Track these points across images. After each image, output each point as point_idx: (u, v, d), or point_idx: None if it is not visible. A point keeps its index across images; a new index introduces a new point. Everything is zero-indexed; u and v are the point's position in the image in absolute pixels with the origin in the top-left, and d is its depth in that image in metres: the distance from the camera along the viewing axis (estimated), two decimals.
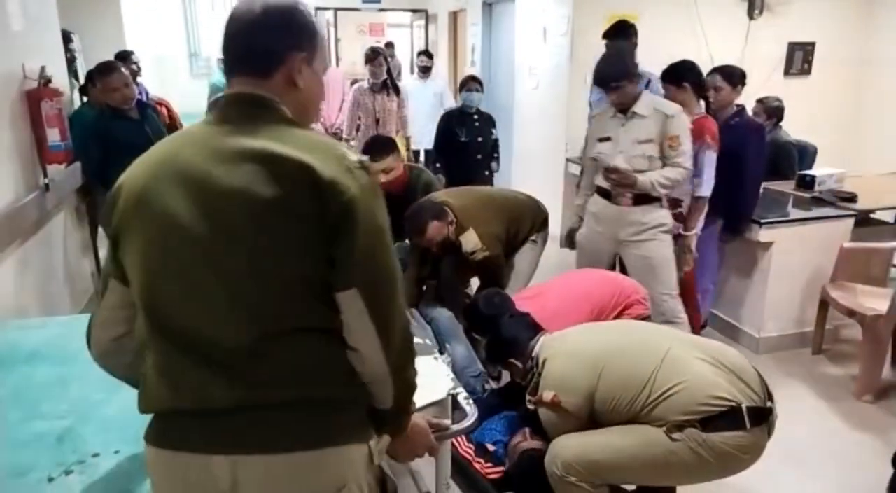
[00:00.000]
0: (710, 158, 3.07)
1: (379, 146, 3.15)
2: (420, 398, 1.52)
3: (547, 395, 1.92)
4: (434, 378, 1.71)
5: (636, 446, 1.84)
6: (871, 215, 3.79)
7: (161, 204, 1.03)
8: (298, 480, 1.05)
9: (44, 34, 3.14)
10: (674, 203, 3.24)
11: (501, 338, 2.20)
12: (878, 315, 3.00)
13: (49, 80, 2.93)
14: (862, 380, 3.08)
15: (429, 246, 2.91)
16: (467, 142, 4.62)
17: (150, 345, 1.07)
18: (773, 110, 4.20)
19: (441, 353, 1.89)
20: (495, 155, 4.82)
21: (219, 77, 6.04)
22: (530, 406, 2.02)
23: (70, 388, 1.55)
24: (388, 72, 5.29)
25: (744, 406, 1.80)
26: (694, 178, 3.07)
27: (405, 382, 1.15)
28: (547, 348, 2.08)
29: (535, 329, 2.18)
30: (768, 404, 1.88)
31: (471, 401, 1.63)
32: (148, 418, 1.09)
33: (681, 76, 3.17)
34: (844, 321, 3.30)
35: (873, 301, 3.10)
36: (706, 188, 3.10)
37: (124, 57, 4.51)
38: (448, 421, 1.50)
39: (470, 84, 4.60)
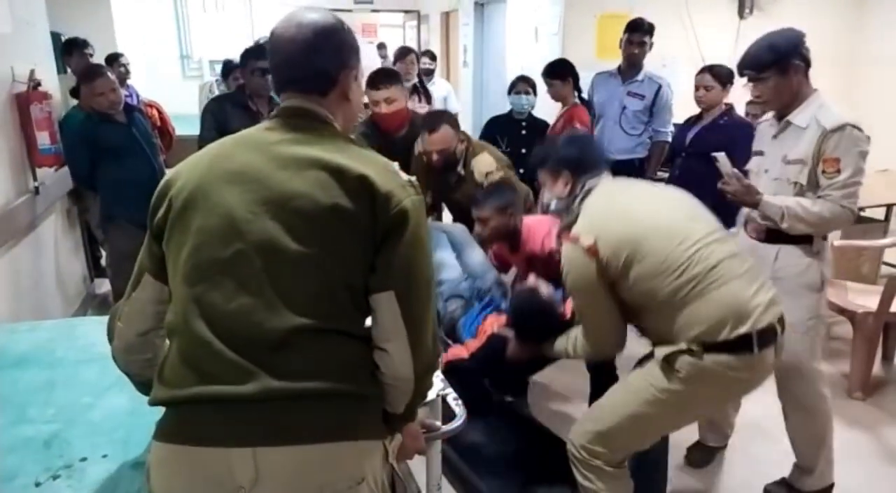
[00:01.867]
0: None
1: (384, 74, 3.00)
2: None
3: (586, 239, 1.73)
4: None
5: (639, 399, 1.74)
6: (862, 213, 3.81)
7: (219, 199, 1.09)
8: (320, 471, 1.06)
9: (33, 37, 3.13)
10: None
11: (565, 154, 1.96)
12: (868, 312, 3.01)
13: (38, 84, 2.92)
14: (853, 377, 3.09)
15: (431, 152, 2.75)
16: (505, 153, 4.10)
17: (184, 332, 1.08)
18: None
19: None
20: None
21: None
22: (559, 244, 1.89)
23: (57, 392, 1.54)
24: (419, 74, 4.78)
25: (754, 330, 1.65)
26: None
27: (422, 389, 1.21)
28: (600, 188, 1.88)
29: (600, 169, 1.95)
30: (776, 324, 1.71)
31: (460, 402, 1.63)
32: (135, 420, 1.09)
33: (566, 71, 3.51)
34: (835, 319, 3.31)
35: (864, 299, 3.11)
36: None
37: (112, 60, 4.50)
38: (438, 422, 1.51)
39: (519, 85, 3.90)
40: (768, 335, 1.69)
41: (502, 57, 6.64)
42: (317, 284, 1.08)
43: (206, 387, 1.04)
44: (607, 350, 1.93)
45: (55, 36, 3.82)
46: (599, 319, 1.82)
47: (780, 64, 2.12)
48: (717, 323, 1.66)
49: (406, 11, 10.92)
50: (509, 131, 3.82)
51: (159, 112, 4.78)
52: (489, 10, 7.37)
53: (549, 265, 2.29)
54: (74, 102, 3.71)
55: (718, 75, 3.33)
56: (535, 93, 3.84)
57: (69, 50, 4.27)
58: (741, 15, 5.29)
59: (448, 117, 2.88)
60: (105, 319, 1.36)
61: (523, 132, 3.84)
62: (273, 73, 1.20)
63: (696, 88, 3.37)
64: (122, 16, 5.90)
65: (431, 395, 1.61)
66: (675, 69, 4.85)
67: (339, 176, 1.08)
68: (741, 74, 2.26)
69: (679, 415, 1.83)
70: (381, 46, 9.98)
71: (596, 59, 4.84)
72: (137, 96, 4.70)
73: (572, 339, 1.95)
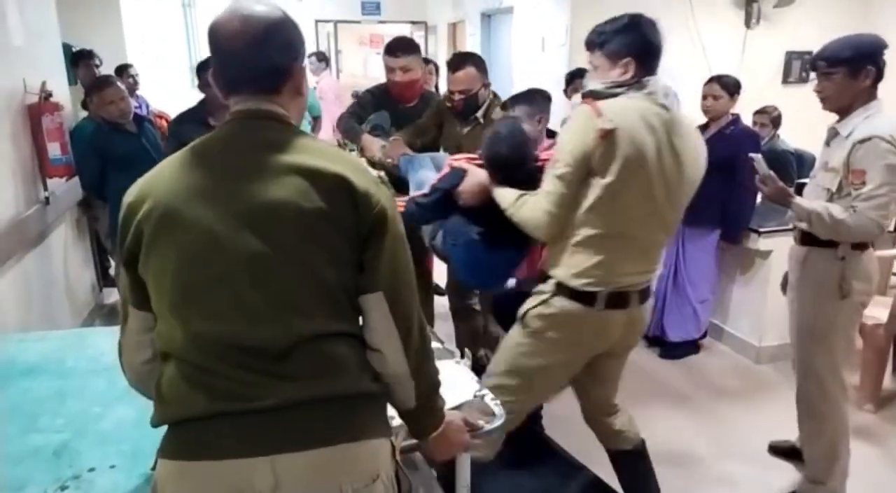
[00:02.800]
0: None
1: (405, 43, 2.99)
2: (447, 401, 1.54)
3: (607, 122, 1.72)
4: (457, 381, 1.73)
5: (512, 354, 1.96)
6: None
7: (192, 218, 1.05)
8: (338, 472, 1.07)
9: (45, 49, 3.17)
10: None
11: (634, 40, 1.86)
12: (878, 324, 3.00)
13: (50, 95, 2.95)
14: (863, 389, 3.07)
15: (454, 92, 2.73)
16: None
17: (179, 354, 1.08)
18: (776, 120, 4.22)
19: (462, 358, 1.89)
20: None
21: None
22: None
23: (67, 402, 1.55)
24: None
25: (605, 290, 1.84)
26: None
27: (426, 379, 1.21)
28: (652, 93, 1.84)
29: None
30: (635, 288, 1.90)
31: (498, 402, 1.63)
32: (144, 431, 1.09)
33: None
34: None
35: (873, 310, 3.08)
36: None
37: (122, 70, 4.54)
38: (482, 421, 1.51)
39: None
40: (617, 299, 1.86)
41: (509, 67, 6.66)
42: (312, 288, 1.07)
43: (218, 405, 1.04)
44: (541, 229, 1.88)
45: (66, 47, 3.86)
46: (560, 195, 1.82)
47: (853, 64, 2.11)
48: (585, 273, 1.84)
49: (413, 22, 10.98)
50: None
51: (168, 122, 4.82)
52: (496, 21, 7.40)
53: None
54: (84, 113, 3.75)
55: (726, 85, 3.35)
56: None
57: (76, 61, 4.32)
58: (748, 25, 5.29)
59: (475, 59, 2.82)
60: (115, 329, 1.37)
61: None
62: (218, 73, 1.12)
63: (704, 98, 3.38)
64: (133, 27, 5.95)
65: (468, 395, 1.63)
66: (681, 79, 4.84)
67: (315, 178, 1.06)
68: (813, 67, 2.26)
69: (540, 363, 1.95)
70: None
71: None
72: (147, 107, 4.74)
73: (519, 199, 1.94)
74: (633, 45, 1.83)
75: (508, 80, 6.69)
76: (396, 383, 1.17)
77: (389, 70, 2.93)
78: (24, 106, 2.77)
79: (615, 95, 1.83)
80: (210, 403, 1.05)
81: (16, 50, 2.73)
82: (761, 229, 3.35)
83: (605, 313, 1.88)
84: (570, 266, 1.86)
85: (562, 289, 1.89)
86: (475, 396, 1.65)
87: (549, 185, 1.83)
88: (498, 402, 1.64)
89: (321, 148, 1.12)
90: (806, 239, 2.27)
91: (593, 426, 2.25)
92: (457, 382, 1.72)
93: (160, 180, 1.10)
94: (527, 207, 1.91)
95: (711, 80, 3.41)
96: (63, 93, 3.34)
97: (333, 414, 1.08)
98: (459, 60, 2.75)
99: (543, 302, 1.93)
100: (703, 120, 3.48)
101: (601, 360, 2.06)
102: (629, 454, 2.23)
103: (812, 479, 2.37)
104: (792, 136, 4.41)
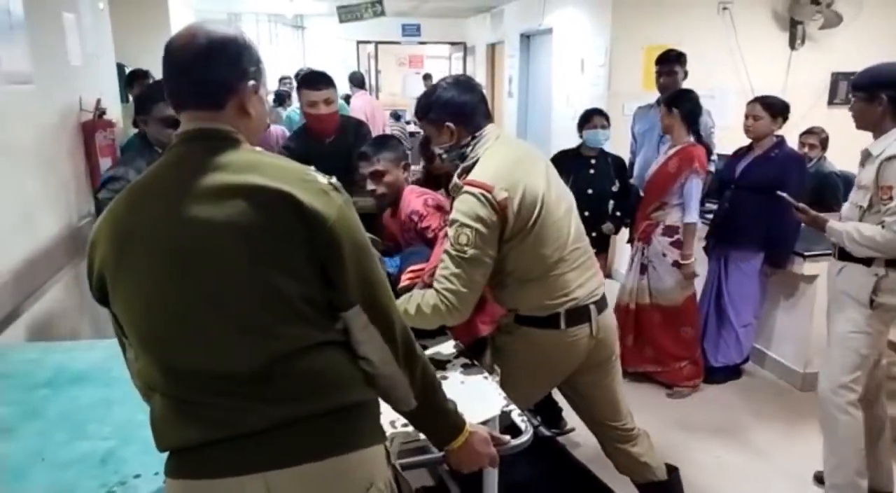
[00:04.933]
0: (698, 185, 3.23)
1: (321, 76, 3.06)
2: (473, 416, 1.55)
3: (500, 193, 1.78)
4: (485, 396, 1.73)
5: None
6: None
7: (144, 256, 1.05)
8: (332, 484, 1.09)
9: (100, 69, 3.29)
10: (670, 230, 3.26)
11: (457, 99, 1.91)
12: None
13: (103, 112, 3.06)
14: None
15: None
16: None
17: (161, 389, 1.10)
18: (824, 141, 4.14)
19: (490, 373, 1.89)
20: (617, 213, 3.66)
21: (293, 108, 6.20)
22: (455, 191, 1.86)
23: (114, 410, 1.59)
24: None
25: (562, 309, 1.89)
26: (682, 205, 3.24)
27: (419, 373, 1.20)
28: (492, 138, 1.92)
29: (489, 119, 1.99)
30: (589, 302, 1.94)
31: (525, 418, 1.63)
32: None
33: (674, 102, 3.31)
34: (892, 357, 3.18)
35: None
36: (694, 214, 3.25)
37: (140, 76, 4.56)
38: (508, 437, 1.50)
39: (595, 119, 3.57)
40: (575, 315, 1.91)
41: (548, 88, 6.69)
42: (276, 307, 1.06)
43: (208, 434, 1.07)
44: (464, 312, 1.86)
45: (119, 67, 4.01)
46: (476, 275, 1.82)
47: (868, 91, 2.28)
48: (540, 302, 1.90)
49: (452, 43, 11.11)
50: (576, 168, 3.50)
51: None
52: (535, 42, 7.44)
53: (416, 231, 2.25)
54: (134, 130, 3.87)
55: (770, 106, 3.30)
56: (609, 126, 3.60)
57: (131, 81, 4.46)
58: (792, 46, 5.22)
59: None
60: None
61: (591, 170, 3.58)
62: (167, 89, 1.12)
63: (746, 117, 3.35)
64: None
65: (495, 410, 1.62)
66: (723, 100, 4.80)
67: (256, 196, 1.03)
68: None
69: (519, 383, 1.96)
70: (427, 77, 10.16)
71: (642, 90, 4.83)
72: None
73: (416, 297, 1.87)
74: (455, 106, 1.90)
75: (548, 101, 6.71)
76: (391, 383, 1.18)
77: (311, 104, 2.97)
78: (78, 123, 2.88)
79: (472, 158, 1.89)
80: (201, 433, 1.07)
81: (73, 70, 2.85)
82: (807, 253, 3.27)
83: (570, 331, 1.92)
84: (525, 300, 1.93)
85: (524, 319, 1.95)
86: (503, 411, 1.65)
87: (460, 278, 1.80)
88: (525, 418, 1.63)
89: (266, 163, 1.09)
90: (843, 254, 2.36)
91: (613, 456, 2.21)
92: (484, 397, 1.72)
93: (113, 220, 1.09)
94: (434, 302, 1.82)
95: (754, 100, 3.38)
96: (115, 111, 3.46)
97: (322, 429, 1.09)
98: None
99: (509, 333, 2.00)
100: (747, 142, 3.44)
101: (578, 378, 2.07)
102: (660, 486, 2.18)
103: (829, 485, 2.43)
104: (839, 158, 4.31)
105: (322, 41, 10.44)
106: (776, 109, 3.30)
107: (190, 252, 1.04)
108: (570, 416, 2.81)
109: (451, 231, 1.83)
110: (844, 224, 2.33)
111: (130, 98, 4.44)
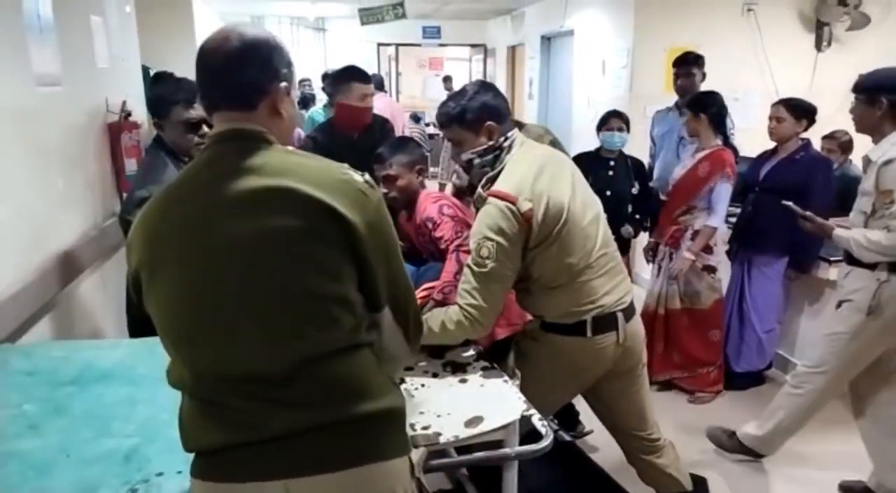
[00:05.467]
0: (727, 190, 3.18)
1: (364, 72, 3.18)
2: (493, 420, 1.56)
3: (525, 204, 1.77)
4: (505, 400, 1.73)
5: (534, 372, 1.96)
6: None
7: (180, 257, 1.07)
8: None
9: (126, 71, 3.34)
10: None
11: (491, 102, 1.93)
12: None
13: (129, 114, 3.11)
14: None
15: None
16: None
17: (190, 389, 1.12)
18: (846, 145, 4.07)
19: (510, 380, 1.89)
20: (636, 216, 3.65)
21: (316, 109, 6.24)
22: (479, 202, 1.85)
23: (138, 408, 1.60)
24: None
25: (588, 316, 1.88)
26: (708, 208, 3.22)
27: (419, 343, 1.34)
28: (518, 144, 1.93)
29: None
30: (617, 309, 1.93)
31: (545, 423, 1.62)
32: None
33: (699, 106, 3.26)
34: None
35: None
36: (718, 220, 3.22)
37: (164, 79, 4.62)
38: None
39: (612, 121, 3.57)
40: (602, 322, 1.90)
41: (568, 90, 6.66)
42: (309, 309, 1.07)
43: (232, 437, 1.08)
44: (487, 326, 1.86)
45: (144, 69, 4.06)
46: (497, 288, 1.82)
47: (868, 93, 2.34)
48: (568, 309, 1.89)
49: (473, 45, 11.11)
50: (595, 170, 3.43)
51: None
52: (556, 44, 7.42)
53: (430, 237, 2.22)
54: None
55: (794, 108, 3.26)
56: (628, 129, 3.58)
57: (155, 84, 4.52)
58: (818, 48, 5.15)
59: None
60: None
61: (610, 172, 3.56)
62: (200, 91, 1.15)
63: (770, 120, 3.31)
64: None
65: (516, 414, 1.62)
66: (748, 102, 4.76)
67: (296, 201, 1.05)
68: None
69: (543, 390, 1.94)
70: (447, 79, 10.17)
71: (664, 92, 4.79)
72: None
73: (438, 314, 1.86)
74: (491, 108, 1.91)
75: (568, 103, 6.68)
76: (395, 364, 1.26)
77: (363, 97, 3.05)
78: (104, 124, 2.92)
79: (498, 168, 1.88)
80: (225, 436, 1.08)
81: (100, 72, 2.89)
82: (832, 258, 3.21)
83: (597, 339, 1.90)
84: (551, 307, 1.93)
85: (550, 326, 1.95)
86: (523, 415, 1.64)
87: (482, 292, 1.80)
88: (545, 423, 1.63)
89: (301, 164, 1.11)
90: (851, 259, 2.44)
91: (637, 467, 2.19)
92: (504, 400, 1.72)
93: (147, 222, 1.11)
94: (459, 318, 1.82)
95: (778, 102, 3.34)
96: (141, 112, 3.51)
97: (345, 439, 1.08)
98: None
99: (534, 339, 1.99)
100: (772, 145, 3.40)
101: (604, 387, 2.04)
102: None
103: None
104: None
105: (343, 43, 10.50)
106: (800, 110, 3.25)
107: (223, 254, 1.05)
108: (587, 419, 2.79)
109: (472, 243, 1.83)
110: (851, 231, 2.37)
111: None
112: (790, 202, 2.63)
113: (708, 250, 3.28)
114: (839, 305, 2.51)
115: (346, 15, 9.22)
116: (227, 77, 1.11)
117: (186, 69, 5.50)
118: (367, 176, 1.14)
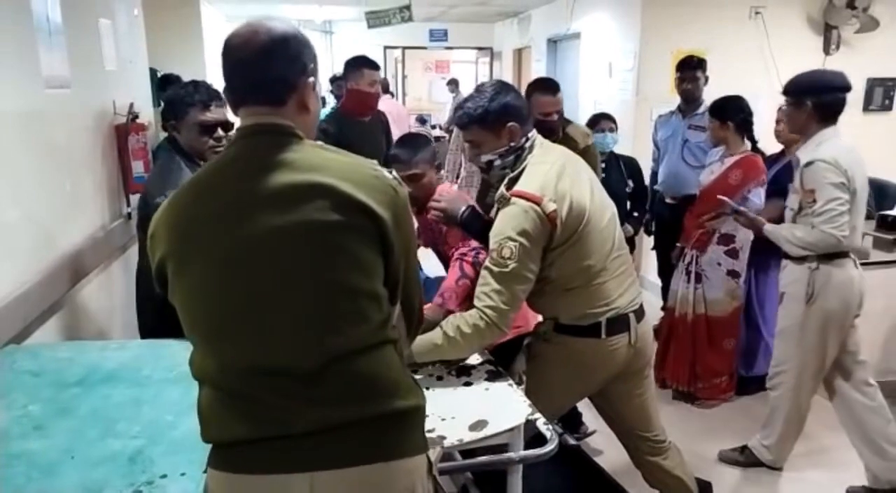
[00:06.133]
0: (761, 196, 3.20)
1: (373, 61, 3.52)
2: (498, 424, 1.56)
3: (549, 204, 1.76)
4: (510, 404, 1.72)
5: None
6: None
7: (211, 248, 1.07)
8: (374, 488, 1.10)
9: (134, 73, 3.36)
10: (726, 239, 3.20)
11: (513, 102, 1.91)
12: None
13: (136, 116, 3.12)
14: None
15: (551, 113, 2.91)
16: None
17: (214, 381, 1.11)
18: None
19: (519, 384, 1.88)
20: (634, 214, 3.75)
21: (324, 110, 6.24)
22: (502, 203, 1.83)
23: (143, 410, 1.61)
24: None
25: (603, 318, 1.88)
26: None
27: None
28: (538, 145, 1.93)
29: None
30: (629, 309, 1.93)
31: (550, 427, 1.62)
32: None
33: (725, 113, 3.23)
34: None
35: None
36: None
37: (172, 81, 4.66)
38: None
39: (602, 123, 3.70)
40: (615, 324, 1.90)
41: (575, 92, 6.65)
42: (341, 304, 1.08)
43: (256, 431, 1.07)
44: (504, 329, 1.82)
45: (152, 71, 4.08)
46: (518, 290, 1.80)
47: (795, 96, 2.48)
48: (582, 311, 1.89)
49: (479, 48, 11.11)
50: None
51: None
52: (562, 47, 7.41)
53: (439, 233, 2.25)
54: (165, 133, 3.93)
55: None
56: (616, 129, 3.71)
57: (164, 85, 4.54)
58: (826, 51, 5.13)
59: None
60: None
61: (602, 174, 3.47)
62: (227, 84, 1.14)
63: (777, 122, 3.29)
64: (214, 53, 6.25)
65: (520, 418, 1.61)
66: (756, 106, 4.72)
67: (328, 196, 1.06)
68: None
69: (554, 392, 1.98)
70: (453, 82, 10.17)
71: (670, 95, 4.77)
72: None
73: (452, 321, 1.82)
74: (514, 109, 1.89)
75: (575, 106, 6.67)
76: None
77: (373, 83, 3.41)
78: (112, 126, 2.94)
79: (519, 168, 1.87)
80: (248, 429, 1.08)
81: (108, 74, 2.91)
82: None
83: (610, 340, 1.90)
84: (566, 309, 1.92)
85: (563, 328, 1.94)
86: (528, 419, 1.63)
87: (504, 294, 1.78)
88: (550, 427, 1.62)
89: (332, 159, 1.12)
90: (786, 253, 2.59)
91: (643, 469, 2.18)
92: (510, 404, 1.72)
93: (175, 213, 1.11)
94: (475, 322, 1.79)
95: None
96: (148, 114, 3.52)
97: (369, 435, 1.09)
98: (551, 84, 3.04)
99: (547, 341, 1.97)
100: (779, 148, 3.39)
101: (612, 388, 2.04)
102: None
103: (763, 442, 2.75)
104: (876, 165, 4.18)
105: (350, 46, 10.52)
106: None
107: (259, 246, 1.05)
108: (589, 419, 2.78)
109: (493, 243, 1.80)
110: (779, 227, 2.55)
111: (162, 103, 4.52)
112: (725, 197, 2.78)
113: (734, 254, 3.24)
114: (781, 298, 2.65)
115: (353, 18, 9.24)
116: (257, 72, 1.10)
117: (194, 71, 5.57)
118: (394, 173, 1.17)
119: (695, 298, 3.35)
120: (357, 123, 3.39)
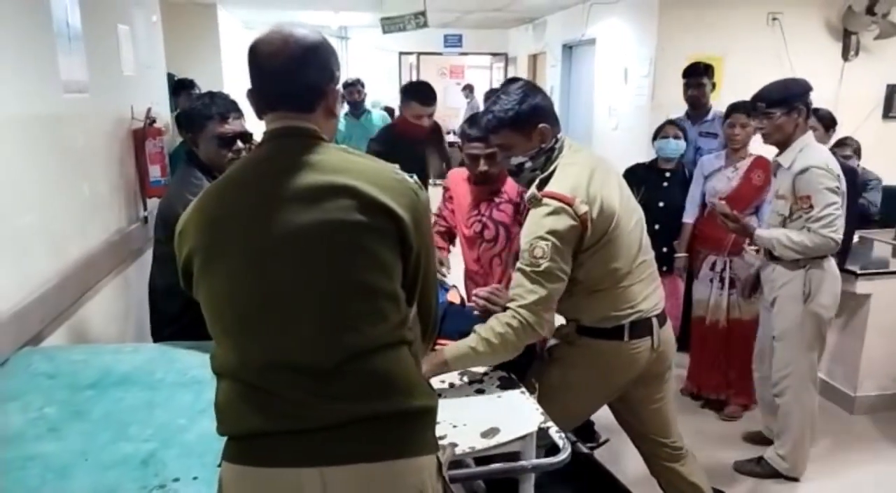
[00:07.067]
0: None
1: (433, 93, 3.59)
2: (510, 432, 1.55)
3: (582, 206, 1.74)
4: (522, 412, 1.71)
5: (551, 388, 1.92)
6: None
7: (237, 245, 1.10)
8: (385, 487, 1.11)
9: (151, 78, 3.39)
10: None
11: (542, 103, 1.90)
12: None
13: (154, 121, 3.15)
14: None
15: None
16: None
17: (234, 374, 1.12)
18: (858, 150, 4.00)
19: (527, 391, 1.86)
20: None
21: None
22: (534, 203, 1.81)
23: (155, 413, 1.61)
24: None
25: (626, 321, 1.88)
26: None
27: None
28: (567, 146, 1.91)
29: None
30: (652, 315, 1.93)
31: (563, 435, 1.60)
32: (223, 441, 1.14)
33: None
34: None
35: None
36: None
37: (186, 86, 4.67)
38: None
39: (667, 129, 3.50)
40: (639, 327, 1.90)
41: (590, 98, 6.63)
42: (361, 302, 1.10)
43: (271, 424, 1.09)
44: (539, 332, 1.79)
45: (169, 76, 4.12)
46: (553, 289, 1.78)
47: (786, 103, 2.47)
48: (607, 313, 1.89)
49: (494, 54, 11.12)
50: (648, 181, 3.40)
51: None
52: (578, 52, 7.40)
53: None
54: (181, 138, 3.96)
55: (821, 118, 3.21)
56: (684, 138, 3.50)
57: (177, 90, 4.57)
58: (845, 57, 5.07)
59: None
60: (201, 344, 1.44)
61: (665, 183, 3.50)
62: (256, 91, 1.16)
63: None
64: (230, 57, 6.31)
65: (532, 426, 1.60)
66: None
67: (354, 197, 1.09)
68: (753, 107, 2.60)
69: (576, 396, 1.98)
70: (468, 88, 10.17)
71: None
72: None
73: (488, 326, 1.78)
74: (544, 110, 1.89)
75: (590, 112, 6.65)
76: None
77: (417, 117, 3.52)
78: (130, 131, 2.97)
79: (550, 169, 1.86)
80: (264, 422, 1.09)
81: (126, 79, 2.94)
82: (859, 271, 3.15)
83: (633, 343, 1.89)
84: (590, 311, 1.91)
85: (586, 330, 1.94)
86: (540, 427, 1.62)
87: (536, 294, 1.76)
88: (563, 435, 1.61)
89: (357, 162, 1.15)
90: (771, 256, 2.62)
91: (660, 476, 2.16)
92: (521, 412, 1.70)
93: (204, 210, 1.14)
94: (509, 326, 1.76)
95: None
96: (165, 119, 3.55)
97: (382, 432, 1.10)
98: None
99: (570, 343, 1.96)
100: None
101: (632, 392, 2.03)
102: None
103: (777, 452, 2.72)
104: (892, 172, 4.15)
105: (365, 52, 10.58)
106: (827, 120, 3.22)
107: (284, 243, 1.08)
108: (603, 429, 2.75)
109: (524, 244, 1.79)
110: (772, 231, 2.57)
111: (178, 108, 4.55)
112: (715, 200, 2.80)
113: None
114: (773, 303, 2.65)
115: (369, 24, 9.28)
116: (289, 81, 1.13)
117: (212, 76, 5.62)
118: (415, 177, 1.19)
119: (728, 303, 3.30)
120: (414, 144, 3.50)
